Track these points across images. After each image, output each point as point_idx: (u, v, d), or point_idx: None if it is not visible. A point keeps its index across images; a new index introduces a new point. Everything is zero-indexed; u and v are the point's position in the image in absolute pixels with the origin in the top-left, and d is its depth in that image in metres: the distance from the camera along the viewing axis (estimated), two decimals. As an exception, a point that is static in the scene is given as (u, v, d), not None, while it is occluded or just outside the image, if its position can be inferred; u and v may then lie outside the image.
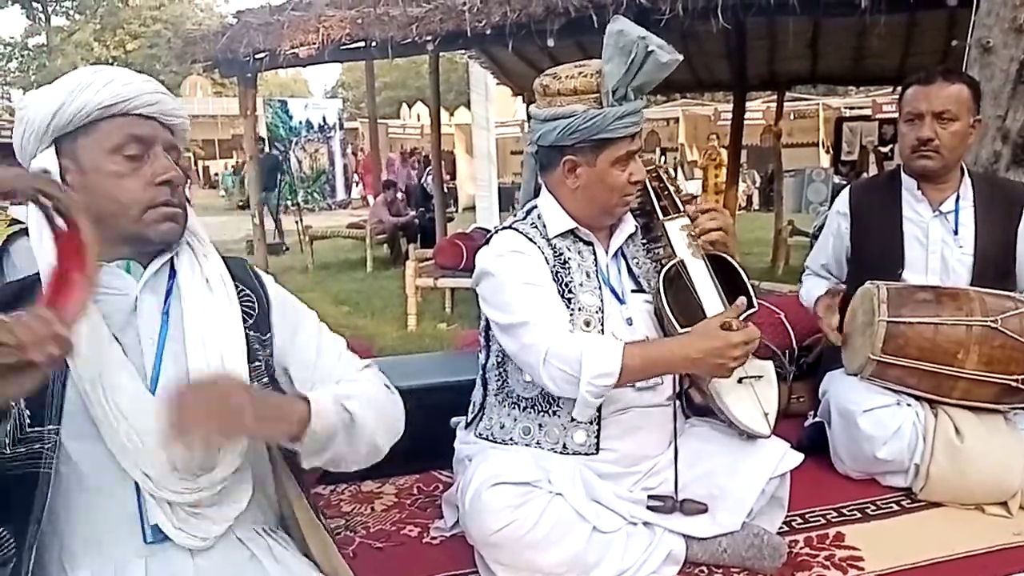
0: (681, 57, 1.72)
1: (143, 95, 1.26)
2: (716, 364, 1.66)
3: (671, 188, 1.98)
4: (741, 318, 1.84)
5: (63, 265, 1.08)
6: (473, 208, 11.61)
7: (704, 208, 1.91)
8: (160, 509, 1.21)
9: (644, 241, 2.00)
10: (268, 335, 1.39)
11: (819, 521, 2.08)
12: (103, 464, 1.20)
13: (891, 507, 2.15)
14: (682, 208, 1.94)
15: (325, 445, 1.28)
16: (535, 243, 1.83)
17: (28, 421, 1.17)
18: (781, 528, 1.95)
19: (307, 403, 1.25)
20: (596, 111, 1.72)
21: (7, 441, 1.16)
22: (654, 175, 2.00)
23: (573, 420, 1.82)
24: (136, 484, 1.21)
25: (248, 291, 1.39)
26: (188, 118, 1.38)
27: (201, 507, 1.24)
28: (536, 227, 1.86)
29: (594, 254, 1.89)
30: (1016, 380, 2.11)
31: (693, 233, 1.87)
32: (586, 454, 1.83)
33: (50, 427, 1.17)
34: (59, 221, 1.08)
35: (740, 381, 1.89)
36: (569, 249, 1.87)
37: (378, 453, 1.42)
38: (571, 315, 1.79)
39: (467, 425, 2.03)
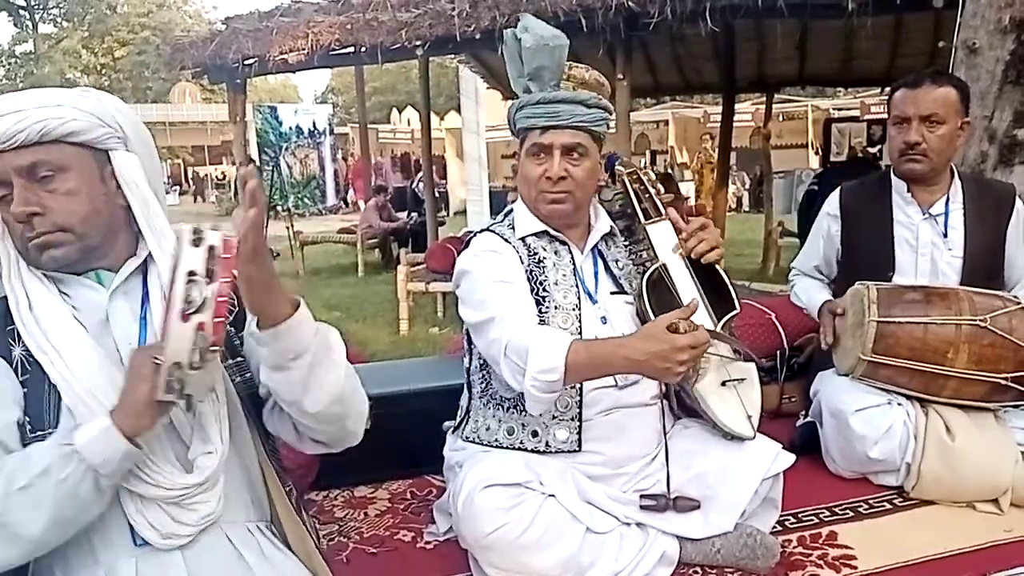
0: (557, 41, 1.78)
1: None
2: (661, 368, 1.54)
3: (652, 191, 1.99)
4: (723, 321, 1.85)
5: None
6: (464, 212, 11.62)
7: (693, 229, 1.91)
8: (132, 505, 1.21)
9: (627, 243, 2.01)
10: (243, 330, 1.41)
11: (812, 520, 2.08)
12: None
13: (883, 506, 2.16)
14: (663, 212, 1.96)
15: (301, 348, 1.21)
16: (510, 243, 1.86)
17: (29, 427, 1.19)
18: (774, 528, 1.95)
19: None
20: (515, 100, 1.84)
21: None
22: (634, 178, 2.01)
23: (554, 417, 1.83)
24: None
25: None
26: (79, 119, 1.25)
27: (168, 505, 1.23)
28: (512, 228, 1.90)
29: (570, 253, 1.91)
30: (1005, 378, 2.12)
31: (683, 251, 1.89)
32: (569, 451, 1.83)
33: (50, 431, 1.18)
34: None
35: (723, 384, 1.90)
36: (544, 249, 1.89)
37: (338, 415, 1.31)
38: (547, 313, 1.80)
39: (454, 430, 2.03)
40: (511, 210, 1.96)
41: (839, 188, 2.67)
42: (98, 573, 1.22)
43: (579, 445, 1.84)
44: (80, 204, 1.25)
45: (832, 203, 2.62)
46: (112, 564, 1.22)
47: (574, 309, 1.83)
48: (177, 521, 1.23)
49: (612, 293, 1.92)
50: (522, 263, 1.84)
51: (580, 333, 1.81)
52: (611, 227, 1.99)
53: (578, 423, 1.84)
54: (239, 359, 1.39)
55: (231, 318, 1.39)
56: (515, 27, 1.83)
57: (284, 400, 1.28)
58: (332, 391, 1.26)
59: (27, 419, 1.19)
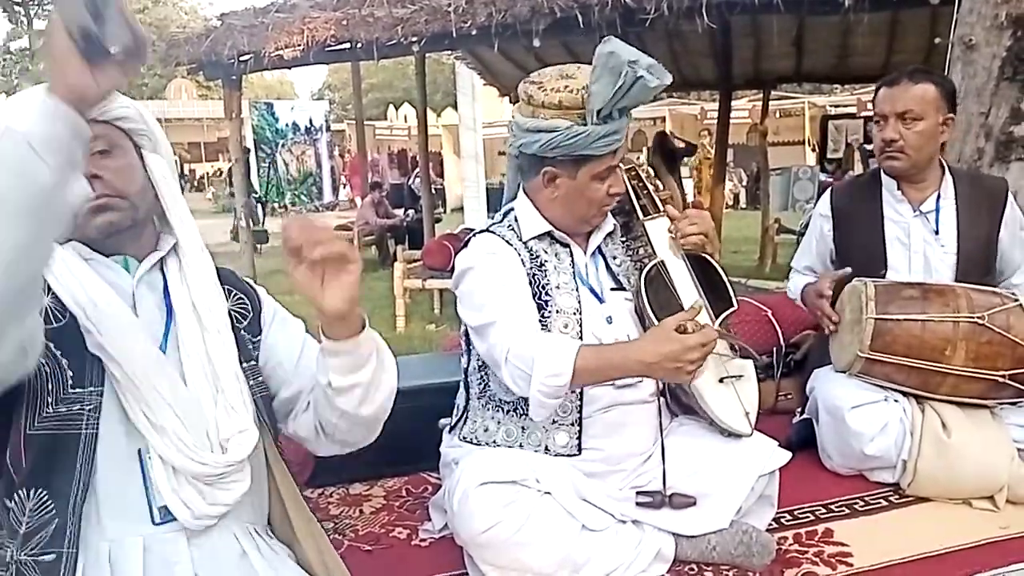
0: (669, 80, 1.70)
1: None
2: (672, 368, 1.57)
3: (650, 187, 1.98)
4: (721, 318, 1.85)
5: None
6: (461, 209, 11.62)
7: (684, 215, 1.91)
8: (165, 473, 1.22)
9: (624, 240, 2.00)
10: (259, 337, 1.44)
11: (808, 517, 2.08)
12: (114, 434, 1.22)
13: (879, 503, 2.16)
14: (661, 208, 1.95)
15: (362, 360, 1.30)
16: (511, 245, 1.83)
17: (71, 381, 1.20)
18: (770, 525, 1.95)
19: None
20: (580, 128, 1.71)
21: (49, 400, 1.18)
22: (633, 174, 2.00)
23: (555, 422, 1.81)
24: (140, 463, 1.22)
25: (241, 295, 1.45)
26: (130, 109, 1.34)
27: (200, 482, 1.24)
28: (513, 229, 1.87)
29: (571, 255, 1.90)
30: (1003, 376, 2.12)
31: (674, 236, 1.88)
32: (569, 455, 1.83)
33: (91, 388, 1.20)
34: None
35: (721, 381, 1.89)
36: (546, 251, 1.87)
37: (380, 418, 1.41)
38: (548, 317, 1.79)
39: (451, 429, 2.02)
40: (510, 210, 1.93)
41: (831, 187, 2.67)
42: (102, 547, 1.21)
43: (579, 449, 1.83)
44: (133, 177, 1.33)
45: (824, 203, 2.62)
46: (119, 542, 1.21)
47: (575, 312, 1.82)
48: (211, 503, 1.25)
49: (612, 290, 1.91)
50: (524, 265, 1.82)
51: (580, 336, 1.79)
52: (614, 225, 1.98)
53: (578, 428, 1.83)
54: (252, 363, 1.40)
55: (246, 323, 1.42)
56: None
57: (344, 405, 1.33)
58: (388, 394, 1.38)
59: (70, 372, 1.20)
